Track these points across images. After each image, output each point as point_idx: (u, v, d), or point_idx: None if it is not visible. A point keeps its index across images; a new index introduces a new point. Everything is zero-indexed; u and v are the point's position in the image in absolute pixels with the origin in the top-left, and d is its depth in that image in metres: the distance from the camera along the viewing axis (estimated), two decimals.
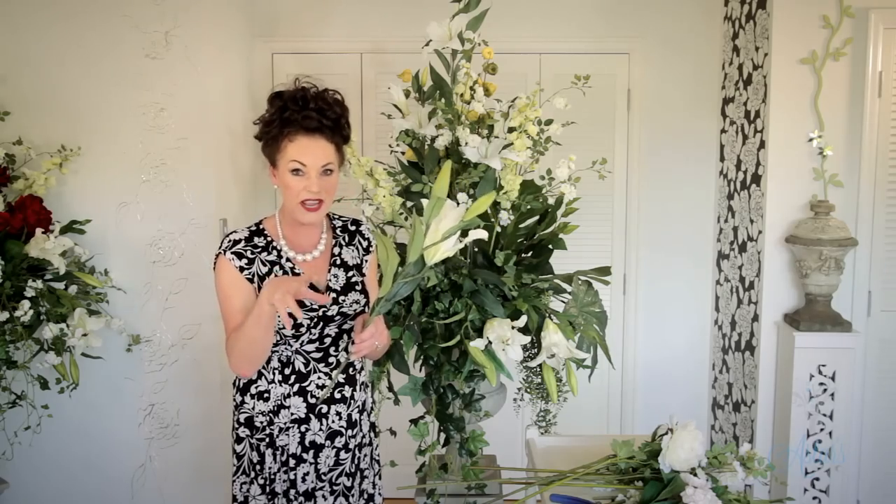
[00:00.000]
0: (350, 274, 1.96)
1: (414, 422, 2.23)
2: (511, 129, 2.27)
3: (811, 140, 2.98)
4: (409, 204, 2.34)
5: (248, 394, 1.92)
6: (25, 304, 2.60)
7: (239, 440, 1.95)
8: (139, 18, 2.92)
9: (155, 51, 2.93)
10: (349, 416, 1.97)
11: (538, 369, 2.32)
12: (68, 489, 3.11)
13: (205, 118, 2.99)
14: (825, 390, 2.91)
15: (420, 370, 2.32)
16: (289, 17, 3.42)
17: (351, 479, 1.99)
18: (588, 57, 3.41)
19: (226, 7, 3.17)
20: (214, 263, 1.89)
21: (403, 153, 2.38)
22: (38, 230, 2.71)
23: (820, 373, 2.91)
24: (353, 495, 2.00)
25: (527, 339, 2.09)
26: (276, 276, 1.87)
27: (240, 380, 1.94)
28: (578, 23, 3.45)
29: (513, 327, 2.07)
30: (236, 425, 1.95)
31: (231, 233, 1.91)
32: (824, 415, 2.92)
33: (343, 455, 1.97)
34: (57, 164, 2.86)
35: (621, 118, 3.51)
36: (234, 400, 1.96)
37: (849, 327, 2.92)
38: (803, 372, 2.91)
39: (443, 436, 2.33)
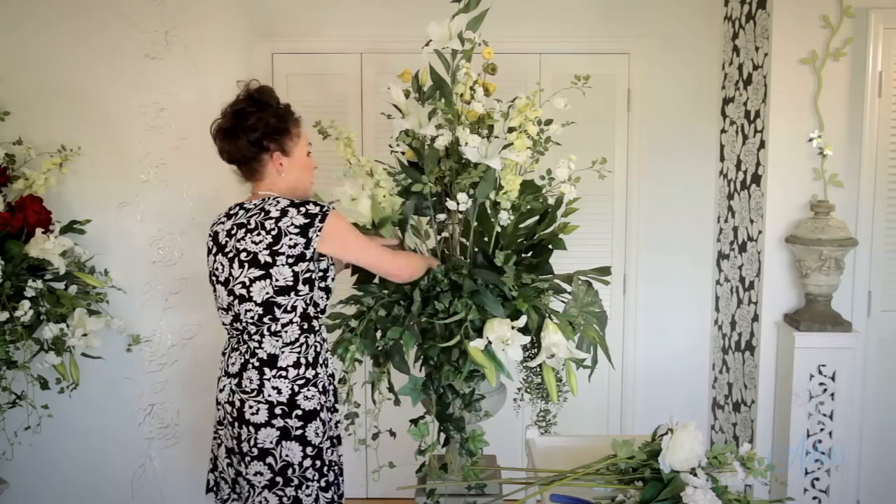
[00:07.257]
0: None
1: (414, 422, 2.22)
2: (511, 129, 2.27)
3: (811, 140, 2.98)
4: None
5: (319, 364, 2.09)
6: (25, 304, 2.60)
7: (320, 410, 2.06)
8: (139, 18, 2.92)
9: (155, 51, 2.93)
10: None
11: (538, 369, 2.32)
12: (68, 489, 3.11)
13: (205, 118, 2.96)
14: (825, 390, 2.91)
15: (420, 370, 2.31)
16: (289, 16, 3.42)
17: None
18: (588, 57, 3.41)
19: (226, 7, 3.17)
20: (326, 216, 1.99)
21: (403, 153, 2.37)
22: (38, 230, 2.71)
23: (820, 373, 2.91)
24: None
25: (527, 339, 2.09)
26: None
27: (306, 357, 2.06)
28: (578, 23, 3.45)
29: (513, 327, 2.07)
30: (321, 396, 2.07)
31: (308, 202, 2.03)
32: (824, 415, 2.92)
33: None
34: (57, 164, 2.86)
35: (621, 118, 3.51)
36: (303, 377, 2.04)
37: (849, 327, 2.92)
38: (803, 372, 2.91)
39: (443, 436, 2.33)
